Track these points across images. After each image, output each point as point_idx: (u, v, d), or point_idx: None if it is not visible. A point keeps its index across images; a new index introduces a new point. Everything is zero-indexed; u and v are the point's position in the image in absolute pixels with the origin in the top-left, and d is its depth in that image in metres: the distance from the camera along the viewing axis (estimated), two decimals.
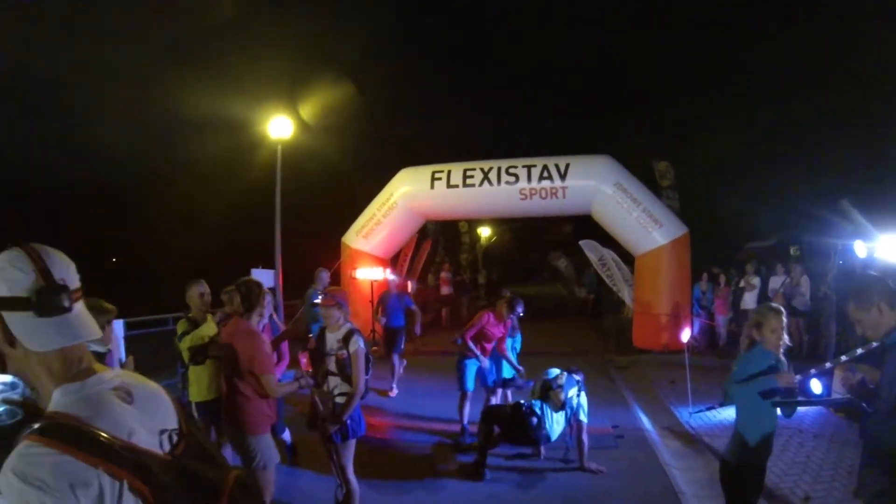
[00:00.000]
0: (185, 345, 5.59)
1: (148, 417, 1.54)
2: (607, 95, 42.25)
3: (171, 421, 1.61)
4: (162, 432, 1.54)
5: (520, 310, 7.38)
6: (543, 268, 35.96)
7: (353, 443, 4.91)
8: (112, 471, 1.35)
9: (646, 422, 7.85)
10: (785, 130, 21.82)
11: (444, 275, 20.04)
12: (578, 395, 6.42)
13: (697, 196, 19.36)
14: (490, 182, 11.73)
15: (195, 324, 5.74)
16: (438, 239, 22.63)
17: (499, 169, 11.77)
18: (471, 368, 7.33)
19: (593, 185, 11.66)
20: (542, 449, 6.63)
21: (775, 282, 11.98)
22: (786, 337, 3.74)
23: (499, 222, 34.00)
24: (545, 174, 11.59)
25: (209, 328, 5.61)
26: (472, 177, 11.84)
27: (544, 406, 6.26)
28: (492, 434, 6.39)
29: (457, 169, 12.01)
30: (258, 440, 4.56)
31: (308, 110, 14.54)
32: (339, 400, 4.72)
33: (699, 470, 6.12)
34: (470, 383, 7.38)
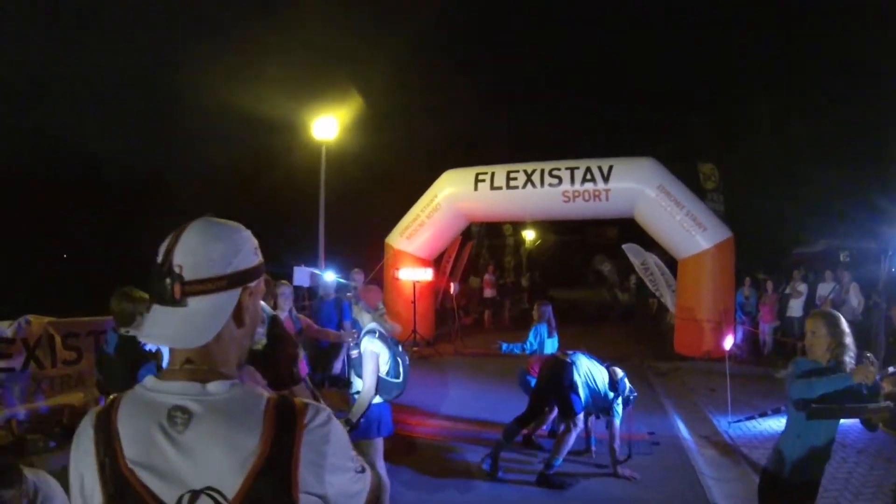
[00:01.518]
0: None
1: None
2: (651, 96, 41.78)
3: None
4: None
5: (546, 311, 8.09)
6: (587, 272, 35.77)
7: (377, 442, 5.00)
8: None
9: (683, 429, 7.75)
10: (832, 133, 21.31)
11: (487, 277, 20.05)
12: (615, 400, 6.41)
13: (742, 200, 19.06)
14: (533, 184, 11.72)
15: None
16: (482, 241, 22.68)
17: (542, 171, 11.76)
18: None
19: (636, 188, 11.55)
20: (594, 448, 6.65)
21: (823, 289, 11.72)
22: (849, 341, 3.55)
23: (543, 225, 33.88)
24: (588, 176, 11.53)
25: None
26: (515, 179, 11.85)
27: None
28: (513, 436, 6.48)
29: (500, 171, 12.03)
30: None
31: (352, 112, 14.69)
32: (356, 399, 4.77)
33: (735, 481, 6.03)
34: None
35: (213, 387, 1.28)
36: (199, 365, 1.32)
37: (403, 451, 6.62)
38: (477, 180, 12.10)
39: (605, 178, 11.47)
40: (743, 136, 23.90)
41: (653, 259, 14.02)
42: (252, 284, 1.39)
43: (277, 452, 1.23)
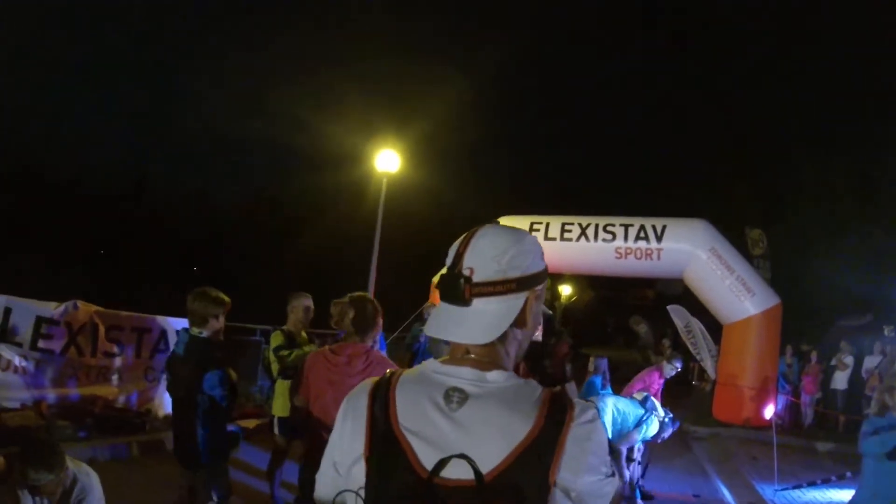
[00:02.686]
0: (290, 359, 5.70)
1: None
2: (701, 158, 42.06)
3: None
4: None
5: (602, 364, 8.53)
6: (620, 332, 35.54)
7: None
8: None
9: (727, 495, 7.74)
10: (877, 200, 21.26)
11: None
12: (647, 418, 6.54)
13: (787, 267, 19.00)
14: (587, 238, 11.89)
15: (290, 337, 5.91)
16: None
17: (596, 226, 11.93)
18: None
19: (689, 249, 11.67)
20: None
21: (870, 361, 11.64)
22: None
23: (580, 282, 33.88)
24: (641, 234, 11.68)
25: (311, 347, 5.71)
26: (569, 231, 12.02)
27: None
28: None
29: (555, 222, 12.23)
30: None
31: (411, 149, 15.11)
32: None
33: None
34: None
35: (493, 376, 1.42)
36: (481, 357, 1.45)
37: None
38: (531, 229, 12.24)
39: (659, 238, 11.61)
40: (790, 203, 23.91)
41: (697, 324, 14.03)
42: (538, 288, 1.49)
43: (544, 440, 1.34)
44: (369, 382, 1.52)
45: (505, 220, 12.78)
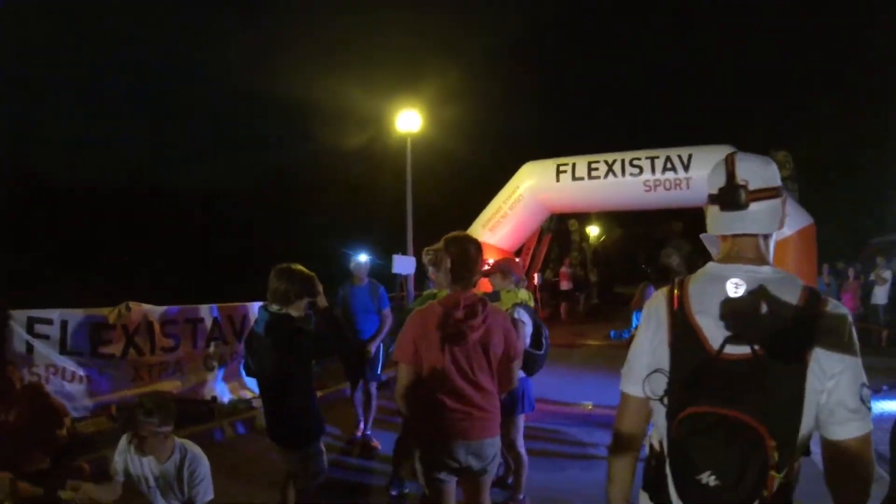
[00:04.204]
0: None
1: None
2: (726, 84, 41.61)
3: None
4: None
5: (651, 293, 8.09)
6: (650, 267, 35.44)
7: (518, 419, 5.33)
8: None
9: None
10: None
11: (564, 270, 20.22)
12: None
13: (817, 188, 18.89)
14: (614, 174, 11.91)
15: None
16: (554, 235, 22.90)
17: (622, 161, 11.94)
18: None
19: None
20: None
21: None
22: None
23: (607, 221, 33.81)
24: (668, 165, 11.66)
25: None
26: (596, 169, 12.05)
27: None
28: None
29: (581, 161, 12.24)
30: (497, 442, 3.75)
31: (434, 105, 15.16)
32: None
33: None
34: None
35: (764, 269, 1.92)
36: (753, 256, 1.97)
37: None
38: (558, 171, 12.33)
39: (686, 167, 11.61)
40: (818, 123, 23.63)
41: None
42: (785, 195, 2.00)
43: (802, 323, 1.79)
44: (663, 291, 2.06)
45: (531, 165, 12.90)
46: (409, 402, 3.64)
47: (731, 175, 1.95)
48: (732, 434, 1.65)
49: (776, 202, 1.95)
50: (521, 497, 5.43)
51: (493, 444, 3.63)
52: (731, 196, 1.95)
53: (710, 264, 2.02)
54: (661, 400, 1.91)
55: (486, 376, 3.58)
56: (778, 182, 1.97)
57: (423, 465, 3.61)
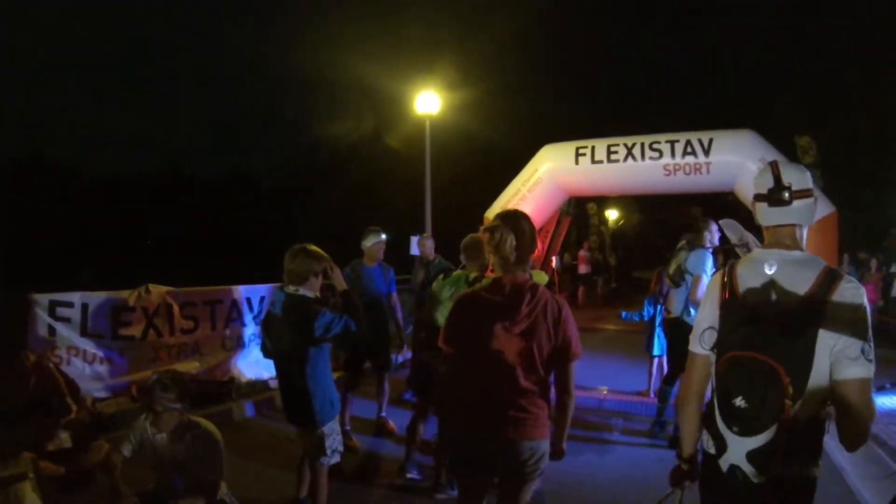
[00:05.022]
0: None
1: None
2: (748, 67, 41.09)
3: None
4: None
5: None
6: (668, 252, 35.27)
7: None
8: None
9: None
10: None
11: (582, 253, 20.14)
12: None
13: (840, 176, 18.62)
14: (634, 157, 11.79)
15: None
16: (573, 219, 22.80)
17: (642, 144, 11.80)
18: None
19: (738, 161, 11.47)
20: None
21: None
22: None
23: (626, 205, 33.61)
24: (689, 149, 11.50)
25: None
26: (615, 152, 11.92)
27: None
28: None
29: (600, 144, 12.12)
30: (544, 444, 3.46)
31: (453, 87, 15.10)
32: None
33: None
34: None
35: (796, 253, 2.56)
36: (790, 243, 2.60)
37: None
38: (577, 154, 12.22)
39: (706, 152, 11.46)
40: (839, 110, 23.21)
41: (751, 237, 13.94)
42: (816, 195, 2.62)
43: (822, 289, 2.37)
44: (720, 272, 2.71)
45: (549, 148, 12.82)
46: (443, 392, 3.56)
47: (777, 178, 2.56)
48: (758, 371, 2.21)
49: (811, 200, 2.58)
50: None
51: (532, 448, 3.29)
52: (779, 195, 2.56)
53: (756, 250, 2.72)
54: (712, 350, 2.61)
55: (529, 374, 3.29)
56: (812, 184, 2.57)
57: (451, 458, 3.59)
